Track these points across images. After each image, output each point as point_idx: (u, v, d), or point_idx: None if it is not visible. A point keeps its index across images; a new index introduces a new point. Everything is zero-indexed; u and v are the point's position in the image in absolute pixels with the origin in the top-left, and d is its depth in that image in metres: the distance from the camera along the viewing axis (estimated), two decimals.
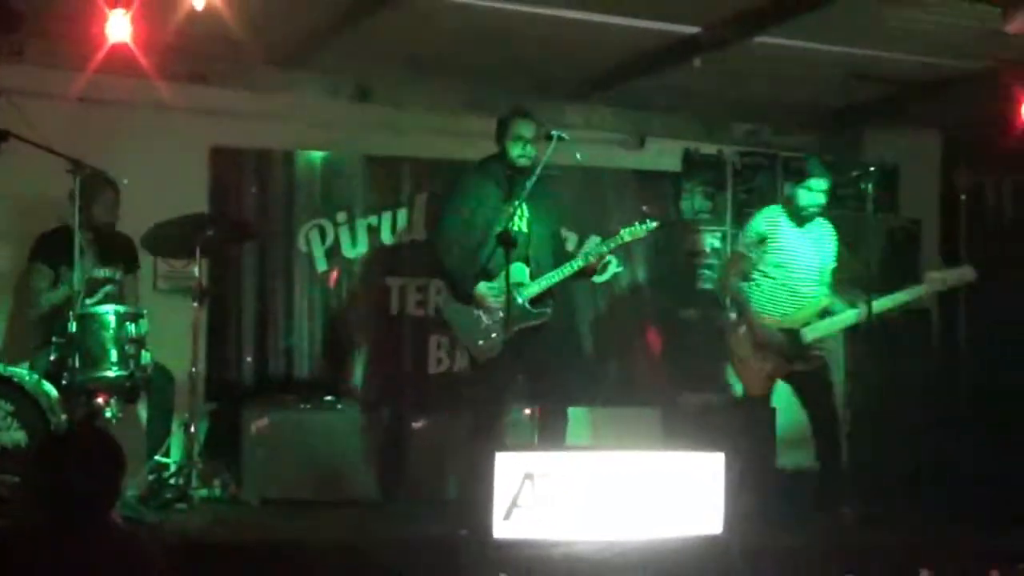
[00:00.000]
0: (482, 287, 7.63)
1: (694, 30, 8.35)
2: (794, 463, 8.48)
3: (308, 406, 8.63)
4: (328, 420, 8.59)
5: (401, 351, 9.38)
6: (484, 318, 7.67)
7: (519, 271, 7.68)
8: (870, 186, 8.17)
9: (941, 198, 10.45)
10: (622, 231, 7.82)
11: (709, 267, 10.02)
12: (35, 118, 7.52)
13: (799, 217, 8.13)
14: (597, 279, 9.39)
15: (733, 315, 8.34)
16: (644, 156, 10.01)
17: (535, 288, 7.68)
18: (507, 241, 7.32)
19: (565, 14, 8.04)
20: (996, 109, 8.66)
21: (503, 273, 7.54)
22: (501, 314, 7.56)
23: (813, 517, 7.83)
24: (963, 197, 9.79)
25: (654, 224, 7.88)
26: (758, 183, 10.04)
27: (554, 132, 7.66)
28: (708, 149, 10.15)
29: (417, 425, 8.85)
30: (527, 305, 7.66)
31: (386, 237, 9.42)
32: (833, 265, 8.26)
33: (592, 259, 7.77)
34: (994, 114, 8.77)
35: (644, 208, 8.85)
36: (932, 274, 8.09)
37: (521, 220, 7.77)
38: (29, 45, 8.43)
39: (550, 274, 7.71)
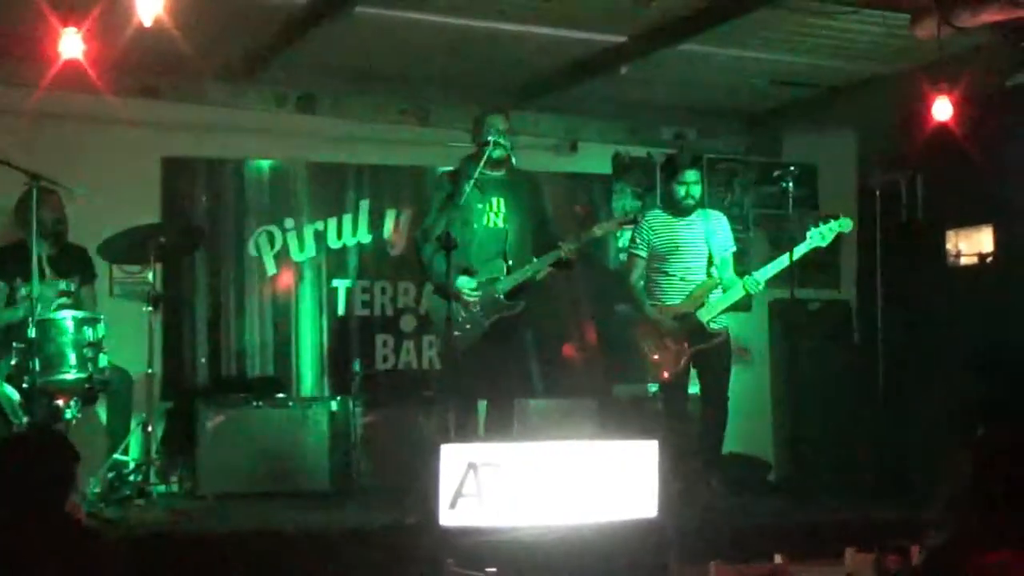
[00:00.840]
0: (461, 281, 7.76)
1: (621, 39, 8.59)
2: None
3: (260, 403, 8.70)
4: (280, 416, 8.69)
5: (348, 349, 9.54)
6: (461, 312, 7.81)
7: (496, 266, 7.84)
8: (791, 185, 8.38)
9: (858, 195, 10.57)
10: (594, 227, 8.04)
11: None
12: None
13: (679, 210, 8.30)
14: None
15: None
16: (576, 159, 10.21)
17: (509, 282, 7.84)
18: (447, 245, 7.42)
19: (498, 27, 8.28)
20: (907, 109, 8.81)
21: (483, 269, 7.79)
22: (477, 308, 7.80)
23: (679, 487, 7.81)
24: (878, 193, 9.99)
25: (625, 218, 8.10)
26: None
27: (490, 138, 7.80)
28: (637, 152, 10.34)
29: (365, 419, 9.01)
30: (502, 298, 7.83)
31: (332, 241, 9.59)
32: (731, 249, 8.41)
33: (564, 255, 7.85)
34: (906, 114, 8.94)
35: (577, 209, 9.15)
36: (812, 231, 8.21)
37: (498, 216, 7.91)
38: None
39: (523, 269, 7.84)
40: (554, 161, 10.14)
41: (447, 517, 6.40)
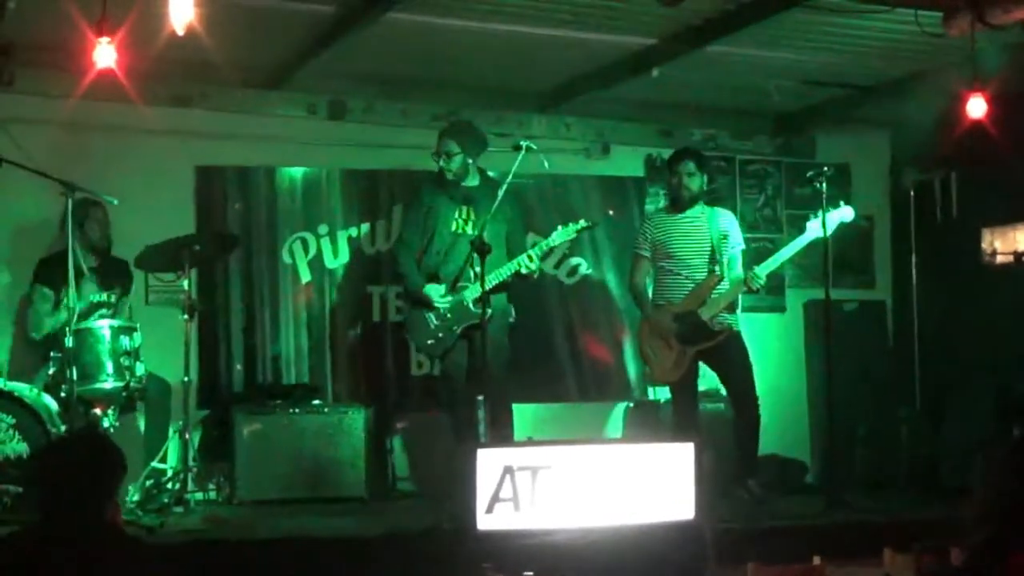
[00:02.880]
0: (429, 288, 8.00)
1: (651, 42, 8.58)
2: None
3: (296, 410, 8.68)
4: (316, 423, 8.66)
5: (383, 356, 9.53)
6: (432, 319, 8.05)
7: (464, 274, 7.97)
8: (824, 185, 8.27)
9: (891, 194, 10.63)
10: (553, 234, 8.09)
11: None
12: (27, 144, 7.75)
13: (679, 205, 8.38)
14: (568, 280, 9.70)
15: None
16: (609, 162, 10.19)
17: (476, 290, 7.87)
18: (481, 250, 7.54)
19: (528, 30, 8.28)
20: (941, 108, 8.81)
21: (453, 276, 7.95)
22: (448, 315, 7.96)
23: (724, 491, 7.95)
24: (912, 193, 9.97)
25: (583, 224, 8.11)
26: (717, 185, 10.15)
27: (522, 142, 7.90)
28: (670, 154, 10.30)
29: (400, 425, 9.11)
30: (470, 305, 7.93)
31: (366, 247, 9.58)
32: (740, 247, 8.44)
33: (527, 263, 7.99)
34: (939, 112, 8.94)
35: (610, 211, 9.12)
36: (812, 222, 8.20)
37: (467, 224, 8.06)
38: (19, 74, 8.61)
39: (489, 276, 7.86)
40: (587, 164, 10.15)
41: (484, 521, 6.47)
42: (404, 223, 8.45)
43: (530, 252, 8.08)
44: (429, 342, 8.13)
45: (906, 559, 5.67)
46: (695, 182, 8.35)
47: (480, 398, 8.33)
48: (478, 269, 7.82)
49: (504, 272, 8.00)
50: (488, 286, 7.86)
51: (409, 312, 8.33)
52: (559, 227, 8.14)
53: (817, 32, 8.30)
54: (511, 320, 8.40)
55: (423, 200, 8.26)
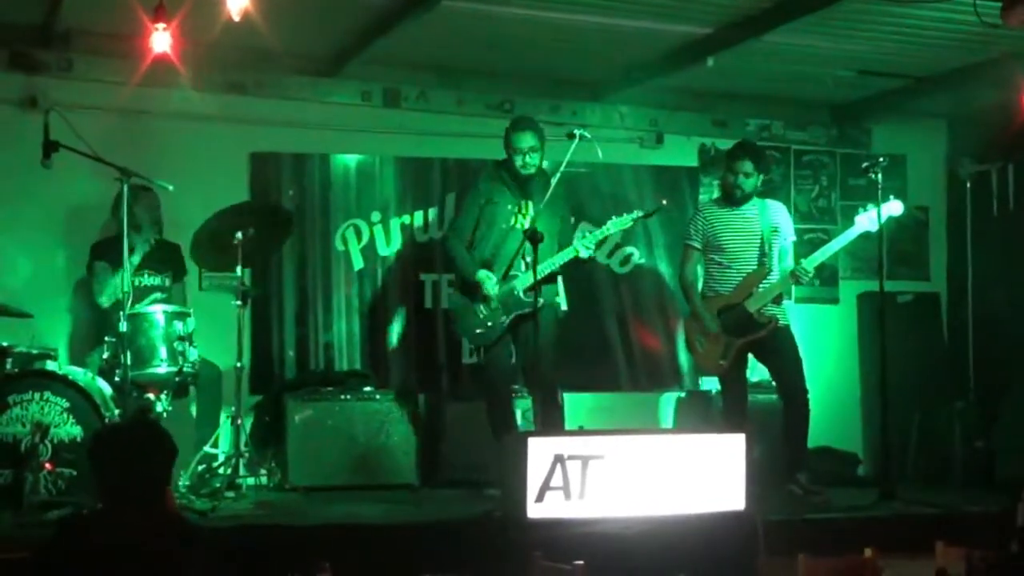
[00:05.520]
0: (482, 274, 7.90)
1: (706, 31, 8.56)
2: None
3: (348, 397, 8.74)
4: (367, 410, 8.71)
5: (435, 343, 9.53)
6: (482, 309, 7.97)
7: (516, 265, 7.92)
8: (879, 176, 8.20)
9: (947, 186, 10.56)
10: (608, 223, 7.99)
11: None
12: (83, 130, 7.68)
13: (732, 200, 8.27)
14: (620, 270, 9.67)
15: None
16: (662, 152, 10.16)
17: (526, 280, 7.82)
18: (534, 239, 7.47)
19: (583, 19, 8.28)
20: (998, 99, 8.79)
21: (504, 269, 7.87)
22: (497, 304, 7.89)
23: (771, 487, 7.86)
24: (968, 184, 9.90)
25: (639, 214, 8.03)
26: (772, 175, 10.04)
27: (576, 131, 7.85)
28: (724, 144, 10.00)
29: (452, 413, 9.06)
30: (520, 294, 7.86)
31: (418, 235, 9.60)
32: (792, 239, 8.35)
33: (581, 251, 7.87)
34: (997, 103, 8.93)
35: (663, 201, 9.10)
36: (861, 217, 8.15)
37: (524, 217, 7.96)
38: (77, 61, 8.71)
39: (541, 265, 7.76)
40: (640, 153, 10.13)
41: (534, 510, 6.48)
42: (458, 209, 8.39)
43: (584, 240, 7.96)
44: (478, 331, 8.03)
45: (958, 553, 5.62)
46: (750, 183, 8.24)
47: (515, 387, 8.50)
48: (529, 259, 7.75)
49: (558, 260, 7.90)
50: (540, 275, 7.76)
51: (457, 300, 8.23)
52: (614, 217, 8.07)
53: (874, 21, 8.26)
54: (560, 314, 8.37)
55: (481, 190, 8.16)
